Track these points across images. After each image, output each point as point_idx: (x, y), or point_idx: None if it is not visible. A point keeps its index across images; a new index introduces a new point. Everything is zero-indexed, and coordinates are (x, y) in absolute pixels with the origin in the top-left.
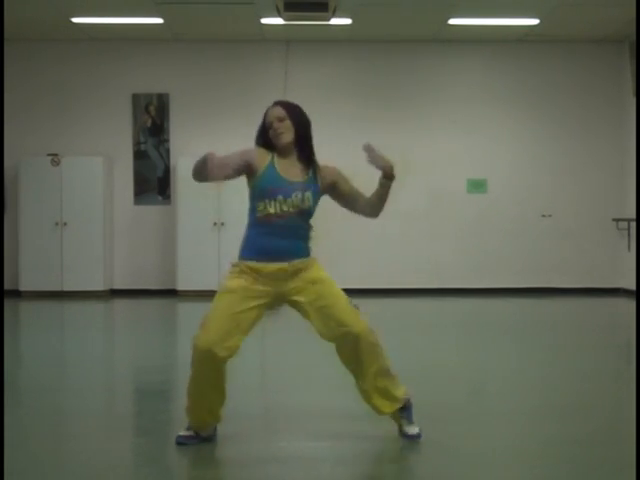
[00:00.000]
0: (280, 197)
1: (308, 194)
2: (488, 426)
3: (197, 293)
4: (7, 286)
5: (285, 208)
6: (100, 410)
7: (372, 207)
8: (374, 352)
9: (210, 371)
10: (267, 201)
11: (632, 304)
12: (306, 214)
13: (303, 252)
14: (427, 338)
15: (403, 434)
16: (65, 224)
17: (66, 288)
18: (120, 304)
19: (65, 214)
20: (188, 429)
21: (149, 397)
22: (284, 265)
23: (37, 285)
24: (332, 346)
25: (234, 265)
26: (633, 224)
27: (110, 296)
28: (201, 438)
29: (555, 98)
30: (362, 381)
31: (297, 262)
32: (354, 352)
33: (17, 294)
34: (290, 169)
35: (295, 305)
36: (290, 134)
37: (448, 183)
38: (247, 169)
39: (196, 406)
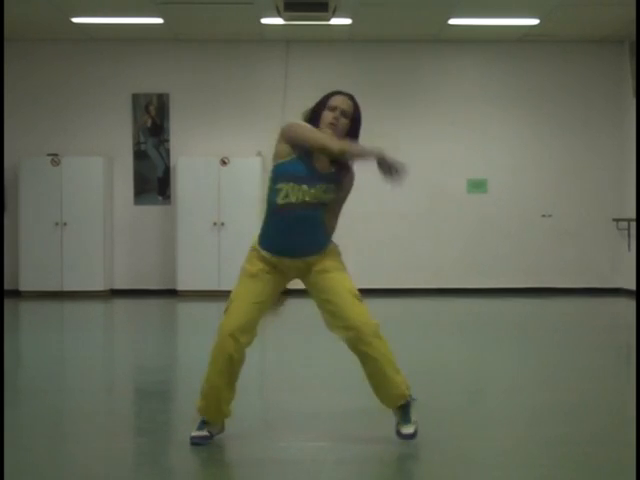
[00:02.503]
0: (305, 186)
1: (332, 186)
2: (488, 426)
3: (197, 293)
4: (7, 286)
5: (307, 198)
6: (100, 410)
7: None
8: (379, 347)
9: (230, 357)
10: (291, 186)
11: (632, 304)
12: (325, 206)
13: (321, 246)
14: (427, 338)
15: (397, 432)
16: (65, 224)
17: (66, 288)
18: (120, 304)
19: (65, 214)
20: (200, 428)
21: (149, 397)
22: (298, 262)
23: (37, 285)
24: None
25: (253, 249)
26: (633, 224)
27: (110, 296)
28: (213, 437)
29: (555, 98)
30: (368, 373)
31: (311, 259)
32: (359, 347)
33: (17, 294)
34: (321, 158)
35: (308, 289)
36: (342, 133)
37: (448, 183)
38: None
39: (211, 395)
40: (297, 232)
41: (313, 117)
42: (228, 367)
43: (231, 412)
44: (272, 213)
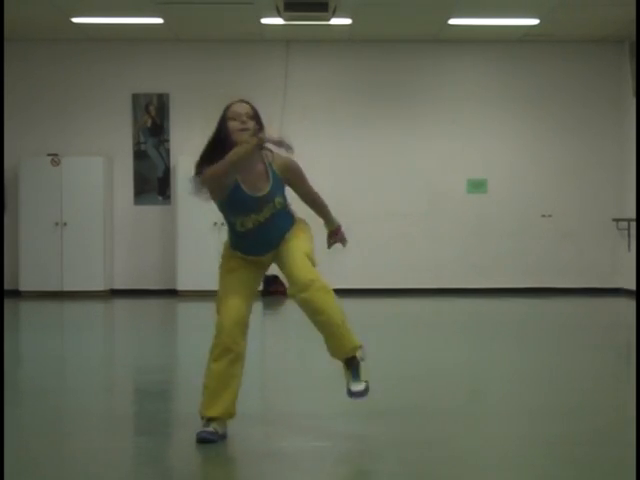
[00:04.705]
0: (253, 215)
1: (278, 199)
2: (488, 426)
3: (197, 293)
4: (7, 286)
5: (261, 219)
6: (100, 410)
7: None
8: (326, 299)
9: (230, 352)
10: (241, 218)
11: (632, 304)
12: (281, 210)
13: (287, 231)
14: (427, 338)
15: (348, 391)
16: (65, 224)
17: (66, 288)
18: (120, 304)
19: (65, 214)
20: (207, 425)
21: (149, 397)
22: (271, 251)
23: (37, 285)
24: None
25: (226, 247)
26: (633, 224)
27: (110, 296)
28: (220, 436)
29: (555, 98)
30: (317, 324)
31: (281, 241)
32: (305, 299)
33: (17, 294)
34: (253, 180)
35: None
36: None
37: (448, 183)
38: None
39: (214, 393)
40: (264, 238)
41: (220, 137)
42: (230, 363)
43: (235, 412)
44: (233, 232)
